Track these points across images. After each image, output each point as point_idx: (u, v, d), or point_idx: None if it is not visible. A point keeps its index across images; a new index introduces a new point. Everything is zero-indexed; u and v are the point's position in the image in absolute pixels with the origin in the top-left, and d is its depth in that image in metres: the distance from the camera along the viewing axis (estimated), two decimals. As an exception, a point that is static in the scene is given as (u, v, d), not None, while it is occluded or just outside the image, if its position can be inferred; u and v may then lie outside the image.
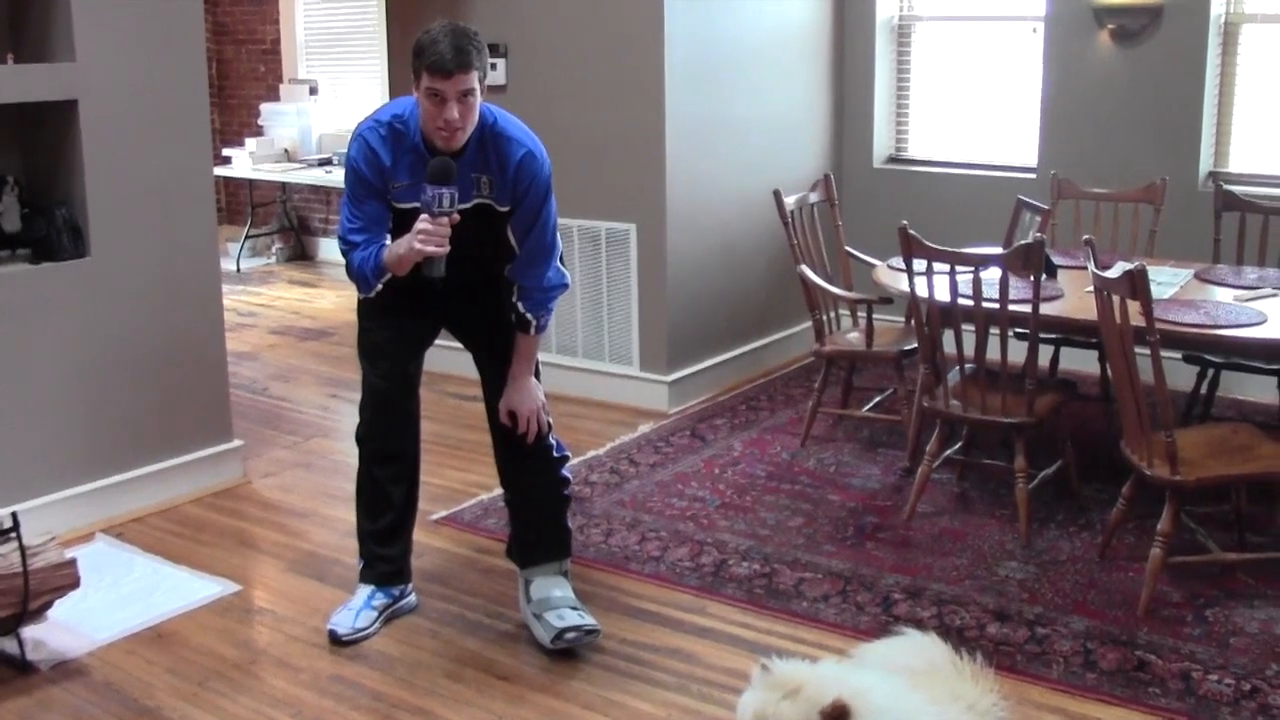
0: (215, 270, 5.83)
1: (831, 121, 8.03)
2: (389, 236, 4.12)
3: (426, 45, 3.88)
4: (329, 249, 11.51)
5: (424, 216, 3.92)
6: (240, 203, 11.87)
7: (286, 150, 11.10)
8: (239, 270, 11.09)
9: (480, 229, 4.10)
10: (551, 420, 4.46)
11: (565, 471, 4.57)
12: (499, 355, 4.37)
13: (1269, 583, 4.64)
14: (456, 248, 3.97)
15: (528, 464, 4.47)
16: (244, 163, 11.09)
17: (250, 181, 11.41)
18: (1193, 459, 4.46)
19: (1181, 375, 5.98)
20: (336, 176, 10.33)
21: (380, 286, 4.13)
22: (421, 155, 4.05)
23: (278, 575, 4.97)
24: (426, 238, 3.90)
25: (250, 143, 11.13)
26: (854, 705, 2.95)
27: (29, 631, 4.29)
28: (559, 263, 4.30)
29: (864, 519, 5.33)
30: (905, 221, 5.00)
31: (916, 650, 3.53)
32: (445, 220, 3.92)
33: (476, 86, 3.95)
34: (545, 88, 6.90)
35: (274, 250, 11.67)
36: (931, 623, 4.38)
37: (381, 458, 4.50)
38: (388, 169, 4.09)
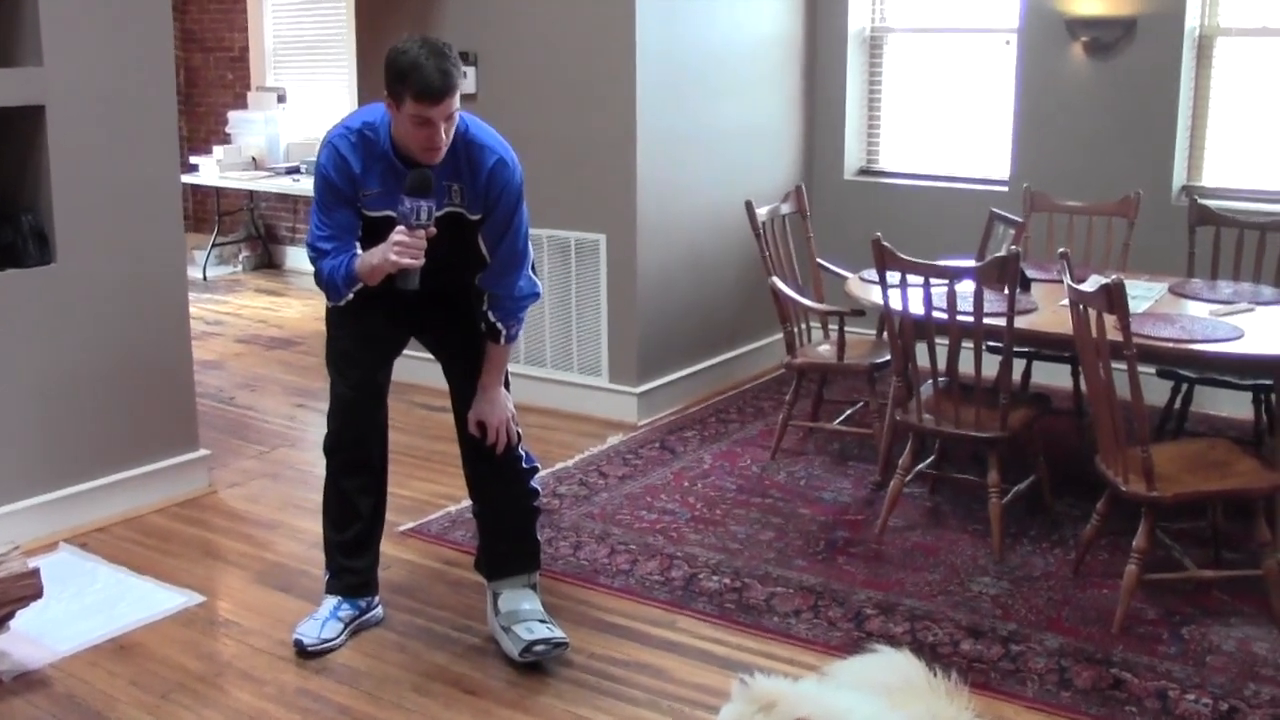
0: (182, 278, 5.76)
1: (803, 133, 8.01)
2: (359, 245, 4.07)
3: (408, 70, 3.77)
4: (296, 257, 11.44)
5: (400, 228, 3.87)
6: (207, 211, 11.78)
7: (254, 158, 11.01)
8: (205, 278, 11.00)
9: (452, 237, 4.03)
10: (521, 431, 4.41)
11: (534, 483, 4.51)
12: (469, 365, 4.31)
13: (1245, 600, 4.61)
14: (428, 258, 3.92)
15: (497, 475, 4.41)
16: (211, 171, 11.00)
17: (217, 189, 11.32)
18: (1169, 474, 4.43)
19: (1155, 390, 5.95)
20: (304, 185, 10.28)
21: (351, 295, 4.08)
22: (391, 163, 3.99)
23: (243, 586, 4.90)
24: (403, 250, 3.85)
25: (218, 150, 11.05)
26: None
27: (-9, 642, 4.24)
28: (530, 271, 4.25)
29: (835, 533, 5.29)
30: (879, 233, 4.97)
31: (891, 667, 3.49)
32: (422, 233, 3.88)
33: (459, 102, 3.90)
34: (516, 96, 6.86)
35: (241, 258, 11.59)
36: (904, 639, 4.34)
37: (349, 468, 4.43)
38: (358, 176, 4.02)
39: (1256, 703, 3.94)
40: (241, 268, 11.53)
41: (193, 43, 11.88)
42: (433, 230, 3.90)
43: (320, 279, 4.11)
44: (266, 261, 11.68)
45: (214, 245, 11.40)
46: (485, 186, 4.05)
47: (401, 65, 3.79)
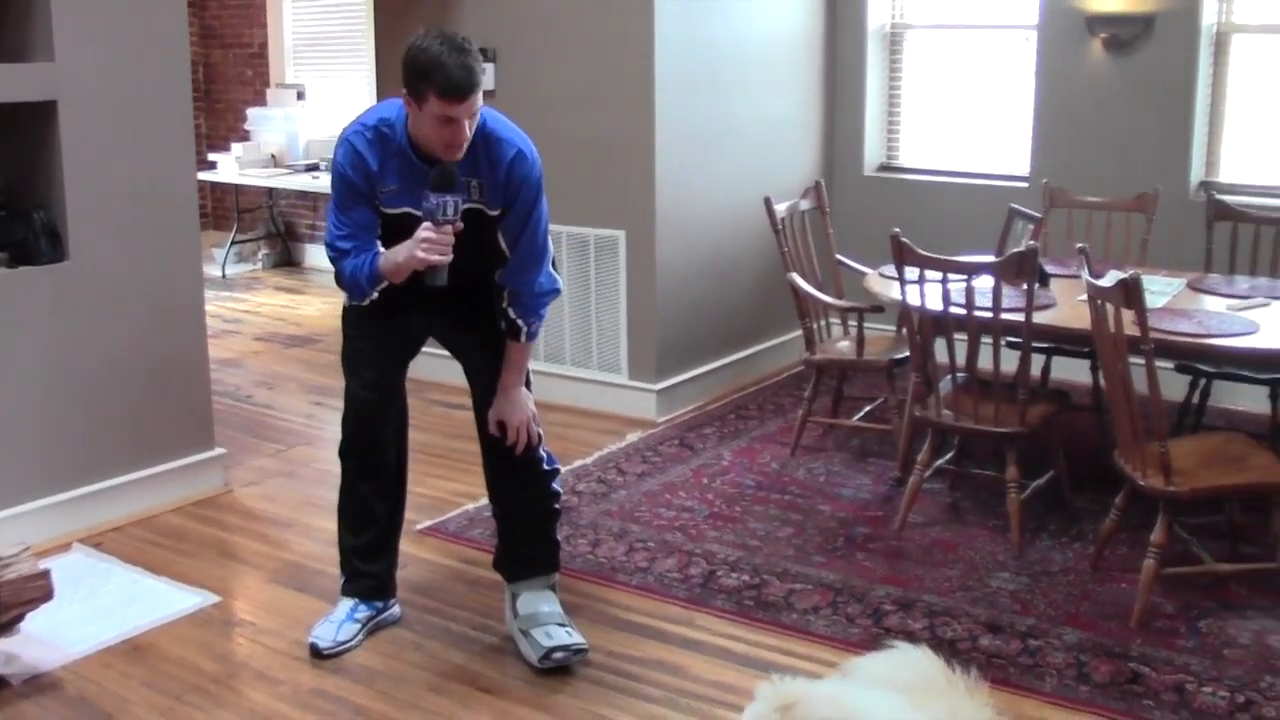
0: (197, 276, 5.75)
1: (823, 129, 7.98)
2: (379, 243, 4.03)
3: (430, 67, 3.72)
4: (316, 255, 11.45)
5: (427, 225, 3.82)
6: (226, 208, 11.79)
7: (273, 155, 11.02)
8: (224, 276, 11.00)
9: (472, 234, 3.97)
10: (542, 431, 4.37)
11: (555, 484, 4.46)
12: (489, 364, 4.27)
13: (1263, 594, 4.59)
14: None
15: (517, 476, 4.38)
16: (230, 168, 11.01)
17: (236, 187, 11.33)
18: (1186, 469, 4.40)
19: (1173, 385, 5.93)
20: (324, 182, 10.28)
21: (375, 294, 4.05)
22: (409, 160, 3.95)
23: (259, 586, 4.89)
24: (430, 246, 3.80)
25: (236, 147, 11.05)
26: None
27: (1, 645, 4.21)
28: (550, 267, 4.20)
29: (854, 529, 5.27)
30: (897, 229, 4.94)
31: (910, 665, 3.47)
32: (449, 228, 3.83)
33: (481, 99, 3.86)
34: (535, 93, 6.84)
35: (260, 256, 11.59)
36: (923, 635, 4.32)
37: (365, 472, 4.41)
38: (375, 174, 3.97)
39: (1273, 695, 3.93)
40: (261, 265, 11.54)
41: (212, 39, 11.89)
42: (459, 225, 3.85)
43: (342, 279, 4.06)
44: (286, 259, 11.68)
45: (233, 243, 11.41)
46: (505, 180, 4.01)
47: (423, 62, 3.74)
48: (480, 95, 3.82)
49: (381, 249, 3.99)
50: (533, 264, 4.13)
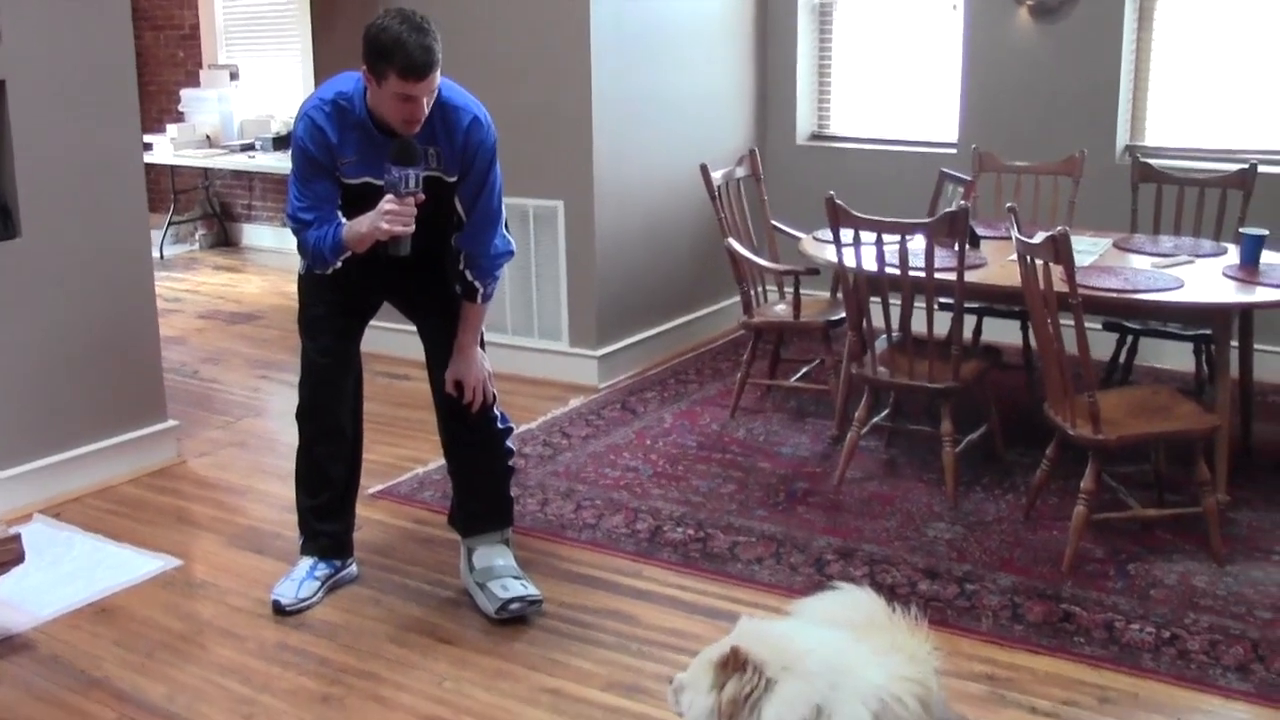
0: (147, 251, 5.83)
1: (755, 99, 8.13)
2: (340, 213, 4.14)
3: (391, 47, 3.83)
4: (252, 235, 11.50)
5: (389, 197, 3.93)
6: (162, 189, 11.77)
7: (208, 136, 11.05)
8: (162, 257, 11.00)
9: (430, 201, 4.08)
10: (496, 392, 4.51)
11: (509, 443, 4.61)
12: (445, 325, 4.39)
13: (1186, 538, 4.80)
14: None
15: (472, 435, 4.51)
16: (165, 149, 11.02)
17: (172, 168, 11.35)
18: (1114, 419, 4.60)
19: (1100, 344, 6.11)
20: (260, 162, 10.35)
21: (339, 264, 4.16)
22: (368, 131, 4.06)
23: (218, 549, 5.00)
24: (394, 217, 3.91)
25: (171, 129, 11.07)
26: (774, 662, 3.04)
27: (-29, 609, 4.32)
28: (504, 230, 4.34)
29: (795, 485, 5.43)
30: (832, 192, 5.09)
31: (852, 604, 3.60)
32: (412, 200, 3.95)
33: (439, 76, 3.97)
34: (472, 64, 6.87)
35: (197, 237, 11.63)
36: (864, 581, 4.48)
37: (321, 435, 4.52)
38: (335, 146, 4.08)
39: (1196, 630, 4.14)
40: (198, 246, 11.58)
41: (143, 21, 11.86)
42: (421, 196, 3.96)
43: (305, 249, 4.17)
44: (223, 239, 11.72)
45: (170, 224, 11.44)
46: (462, 147, 4.14)
47: (384, 42, 3.84)
48: (439, 74, 3.94)
49: (343, 219, 4.10)
50: (488, 227, 4.26)
